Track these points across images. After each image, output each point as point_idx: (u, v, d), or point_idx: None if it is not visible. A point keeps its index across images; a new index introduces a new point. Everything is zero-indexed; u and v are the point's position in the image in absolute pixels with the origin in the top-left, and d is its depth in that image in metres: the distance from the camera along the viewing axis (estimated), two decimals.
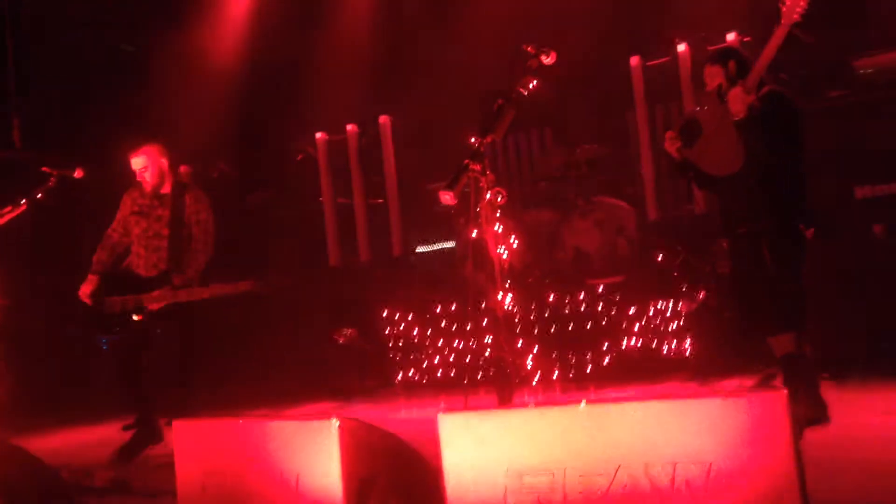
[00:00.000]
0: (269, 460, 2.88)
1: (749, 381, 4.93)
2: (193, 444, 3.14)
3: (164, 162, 5.01)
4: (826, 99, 5.18)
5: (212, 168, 8.57)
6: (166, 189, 5.01)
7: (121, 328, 4.88)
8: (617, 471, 2.34)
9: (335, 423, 2.69)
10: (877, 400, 4.17)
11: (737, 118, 3.64)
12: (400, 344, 7.09)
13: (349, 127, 8.16)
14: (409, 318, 7.09)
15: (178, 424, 3.25)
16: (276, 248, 7.83)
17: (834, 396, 4.39)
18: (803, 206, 3.82)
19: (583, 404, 2.47)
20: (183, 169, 4.83)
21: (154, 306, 4.74)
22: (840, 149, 5.05)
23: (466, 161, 3.23)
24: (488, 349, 6.24)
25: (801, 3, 3.51)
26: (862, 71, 5.04)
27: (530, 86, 3.46)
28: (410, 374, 6.99)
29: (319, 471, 2.74)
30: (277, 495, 2.85)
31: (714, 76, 3.92)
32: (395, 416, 5.82)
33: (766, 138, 3.67)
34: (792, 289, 3.76)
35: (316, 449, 2.74)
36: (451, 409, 2.70)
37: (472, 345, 6.57)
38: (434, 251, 7.72)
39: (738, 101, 3.61)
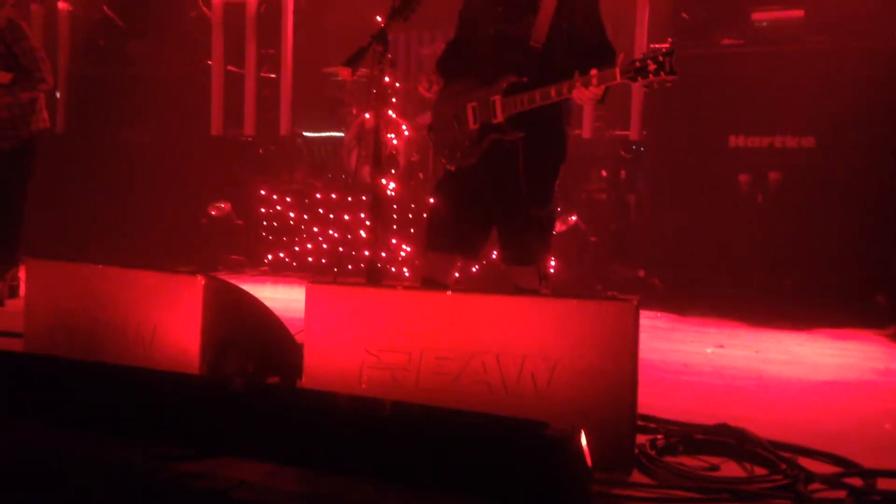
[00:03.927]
0: (126, 310, 2.82)
1: None
2: (46, 285, 3.03)
3: None
4: (719, 45, 5.34)
5: (94, 10, 7.97)
6: None
7: None
8: (471, 358, 2.46)
9: (200, 279, 2.66)
10: (713, 335, 4.53)
11: None
12: (274, 225, 7.01)
13: None
14: (287, 201, 6.99)
15: (31, 263, 3.12)
16: (155, 105, 7.43)
17: (678, 328, 4.80)
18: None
19: (447, 292, 2.56)
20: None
21: None
22: (723, 97, 5.26)
23: (370, 40, 3.15)
24: (362, 242, 6.28)
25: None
26: (758, 24, 5.21)
27: None
28: (280, 256, 6.95)
29: (178, 326, 2.72)
30: (131, 345, 2.81)
31: None
32: (261, 289, 5.79)
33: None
34: (545, 212, 3.12)
35: (177, 304, 2.71)
36: (319, 281, 2.73)
37: (348, 237, 6.58)
38: (321, 138, 7.57)
39: None
